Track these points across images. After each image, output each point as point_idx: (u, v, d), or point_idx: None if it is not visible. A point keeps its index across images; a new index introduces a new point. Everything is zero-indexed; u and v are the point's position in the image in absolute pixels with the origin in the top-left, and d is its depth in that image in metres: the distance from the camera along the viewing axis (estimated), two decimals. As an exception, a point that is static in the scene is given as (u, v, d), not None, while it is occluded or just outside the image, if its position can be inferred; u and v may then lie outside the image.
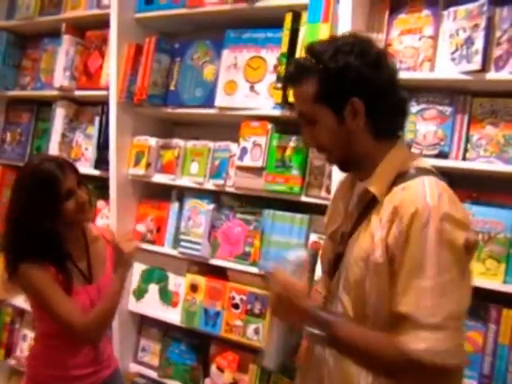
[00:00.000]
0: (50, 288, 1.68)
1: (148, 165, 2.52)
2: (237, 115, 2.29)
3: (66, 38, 2.71)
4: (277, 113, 2.17)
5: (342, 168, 1.38)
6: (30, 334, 3.14)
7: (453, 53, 1.85)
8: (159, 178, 2.54)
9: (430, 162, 1.82)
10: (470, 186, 1.89)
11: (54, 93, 2.80)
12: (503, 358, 1.80)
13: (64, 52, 2.71)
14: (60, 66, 2.72)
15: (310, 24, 1.95)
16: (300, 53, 1.99)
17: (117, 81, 2.49)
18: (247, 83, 2.26)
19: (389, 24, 2.00)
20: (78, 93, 2.75)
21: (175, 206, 2.53)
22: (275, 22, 2.15)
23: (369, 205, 1.27)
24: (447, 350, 1.10)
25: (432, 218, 1.12)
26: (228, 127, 2.38)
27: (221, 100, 2.31)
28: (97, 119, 2.66)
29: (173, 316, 2.50)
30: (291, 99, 2.01)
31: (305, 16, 2.02)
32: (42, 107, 3.04)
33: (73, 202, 1.69)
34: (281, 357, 1.38)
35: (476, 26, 1.79)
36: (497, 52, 1.77)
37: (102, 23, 2.63)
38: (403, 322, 1.13)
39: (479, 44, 1.77)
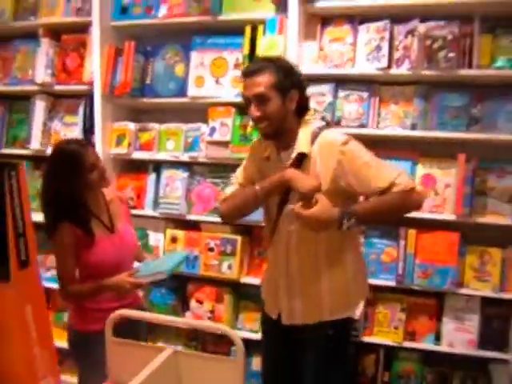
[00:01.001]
0: (65, 251, 2.12)
1: (129, 145, 3.06)
2: (205, 103, 2.89)
3: (45, 41, 3.14)
4: (238, 100, 2.76)
5: (269, 136, 1.94)
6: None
7: (367, 55, 2.65)
8: (139, 155, 3.07)
9: (353, 131, 2.66)
10: (382, 146, 2.71)
11: (34, 88, 3.21)
12: (410, 262, 2.63)
13: (44, 53, 3.14)
14: (41, 64, 3.14)
15: (270, 35, 2.64)
16: (259, 54, 2.68)
17: (100, 77, 3.02)
18: (213, 77, 2.89)
19: (321, 34, 2.74)
20: (58, 87, 3.18)
21: (152, 176, 3.09)
22: (233, 30, 2.80)
23: (300, 161, 1.91)
24: (409, 179, 1.87)
25: (346, 144, 1.86)
26: (196, 114, 2.96)
27: (192, 91, 2.92)
28: (81, 109, 3.15)
29: (155, 265, 3.07)
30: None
31: (260, 28, 2.70)
32: (14, 101, 3.42)
33: (96, 172, 2.13)
34: None
35: (382, 37, 2.62)
36: (396, 55, 2.61)
37: (77, 28, 3.12)
38: (383, 191, 1.82)
39: (385, 50, 2.61)
